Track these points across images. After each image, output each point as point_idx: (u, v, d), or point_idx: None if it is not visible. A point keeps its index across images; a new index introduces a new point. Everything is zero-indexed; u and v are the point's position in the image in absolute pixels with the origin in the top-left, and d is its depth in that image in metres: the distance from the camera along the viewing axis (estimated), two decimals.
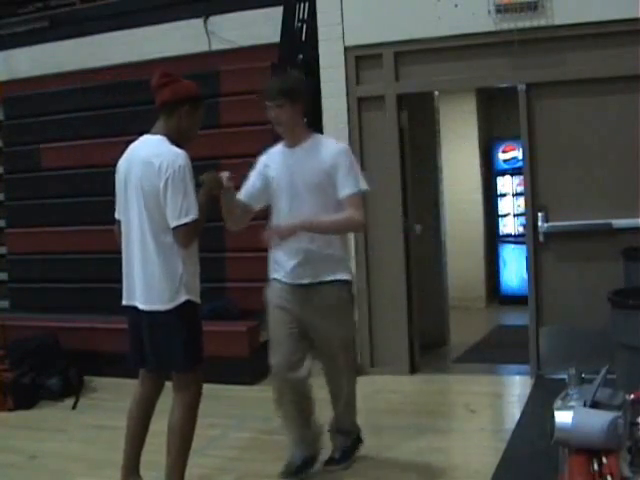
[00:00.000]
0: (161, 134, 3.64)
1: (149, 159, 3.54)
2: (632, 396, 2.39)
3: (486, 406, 5.51)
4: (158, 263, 3.57)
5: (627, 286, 5.01)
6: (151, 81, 3.68)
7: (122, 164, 3.71)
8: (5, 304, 8.09)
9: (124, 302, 3.74)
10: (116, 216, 3.80)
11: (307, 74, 6.82)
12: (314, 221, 3.85)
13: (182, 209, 3.46)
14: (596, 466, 2.17)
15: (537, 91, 5.79)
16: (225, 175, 3.84)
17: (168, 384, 3.88)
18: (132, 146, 3.72)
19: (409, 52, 6.08)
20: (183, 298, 3.60)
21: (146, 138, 3.69)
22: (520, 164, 6.86)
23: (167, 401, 3.68)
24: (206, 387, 6.03)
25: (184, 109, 3.65)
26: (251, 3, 7.29)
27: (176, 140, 3.64)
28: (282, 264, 4.05)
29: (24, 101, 8.16)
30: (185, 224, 3.48)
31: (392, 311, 6.21)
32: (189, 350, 3.70)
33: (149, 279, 3.60)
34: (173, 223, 3.49)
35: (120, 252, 3.75)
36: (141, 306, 3.65)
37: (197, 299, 3.72)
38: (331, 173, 3.89)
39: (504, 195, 9.33)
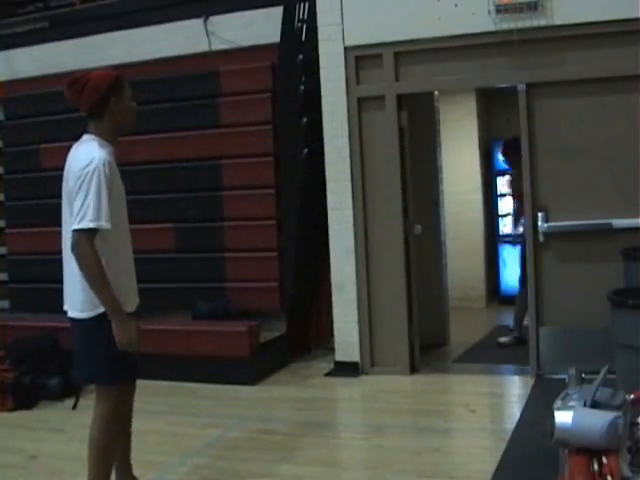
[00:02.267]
0: (93, 134, 3.56)
1: (73, 164, 3.51)
2: (632, 396, 2.39)
3: (486, 406, 5.50)
4: (75, 273, 3.49)
5: (627, 286, 5.01)
6: (64, 94, 3.55)
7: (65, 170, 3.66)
8: (5, 304, 8.09)
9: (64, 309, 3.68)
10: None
11: (307, 74, 6.85)
12: None
13: (79, 214, 3.33)
14: (596, 466, 2.17)
15: (537, 91, 5.79)
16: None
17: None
18: (71, 150, 3.65)
19: (409, 52, 6.08)
20: (101, 308, 3.45)
21: (80, 141, 3.61)
22: None
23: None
24: (206, 387, 6.08)
25: (110, 104, 3.53)
26: (251, 3, 7.29)
27: (114, 135, 3.58)
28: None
29: (24, 101, 8.16)
30: (80, 229, 3.32)
31: (392, 311, 6.21)
32: (104, 362, 3.53)
33: (72, 286, 3.57)
34: (73, 226, 3.36)
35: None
36: (67, 312, 3.63)
37: (125, 309, 3.53)
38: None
39: (504, 195, 9.32)
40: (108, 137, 3.57)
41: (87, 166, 3.38)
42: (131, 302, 3.65)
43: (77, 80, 3.52)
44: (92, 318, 3.50)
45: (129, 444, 3.85)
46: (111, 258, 3.47)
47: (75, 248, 3.38)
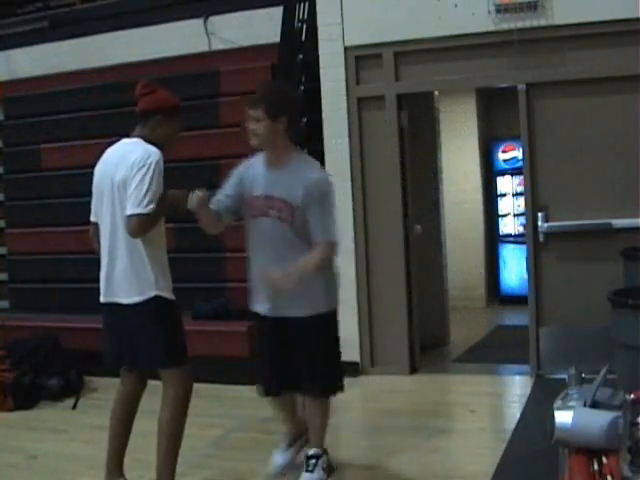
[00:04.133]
0: (138, 137, 3.77)
1: (124, 156, 3.66)
2: (632, 396, 2.39)
3: (486, 406, 5.50)
4: (129, 259, 3.64)
5: (627, 286, 5.01)
6: (135, 90, 3.82)
7: (99, 167, 3.83)
8: (5, 304, 8.09)
9: (102, 299, 3.79)
10: (91, 218, 3.88)
11: (307, 74, 6.86)
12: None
13: (143, 199, 3.51)
14: (596, 466, 2.17)
15: (537, 91, 5.79)
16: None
17: (154, 384, 3.87)
18: (109, 149, 3.85)
19: (409, 52, 6.07)
20: (152, 293, 3.63)
21: (123, 141, 3.83)
22: (520, 164, 6.86)
23: (159, 401, 3.68)
24: (206, 387, 6.07)
25: (156, 118, 3.76)
26: (251, 3, 7.29)
27: (152, 144, 3.74)
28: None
29: (24, 101, 8.16)
30: (143, 214, 3.51)
31: (392, 311, 6.21)
32: (164, 345, 3.68)
33: (121, 274, 3.67)
34: (131, 210, 3.51)
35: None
36: (115, 299, 3.71)
37: (169, 295, 3.73)
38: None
39: (504, 195, 9.33)
40: (149, 141, 3.75)
41: (149, 157, 3.58)
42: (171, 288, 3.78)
43: (148, 85, 3.83)
44: (144, 303, 3.62)
45: (127, 442, 3.85)
46: (162, 246, 3.79)
47: (138, 231, 3.55)
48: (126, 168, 3.58)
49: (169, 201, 3.71)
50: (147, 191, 3.50)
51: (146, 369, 3.86)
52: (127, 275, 3.64)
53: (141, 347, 3.71)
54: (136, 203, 3.50)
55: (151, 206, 3.50)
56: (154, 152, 3.62)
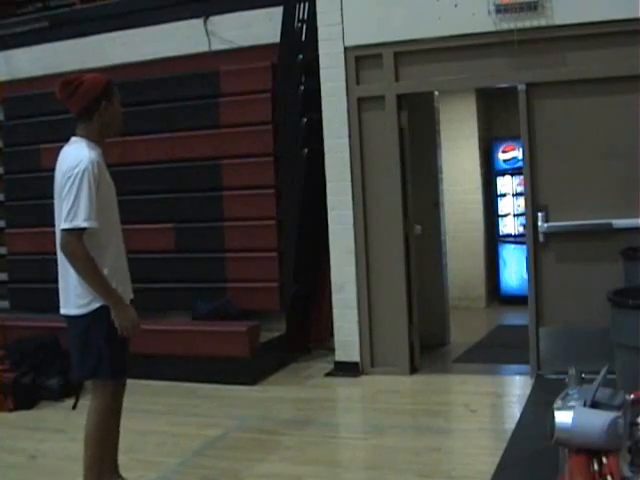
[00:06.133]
0: (81, 137, 3.64)
1: (63, 160, 3.59)
2: (632, 396, 2.39)
3: (486, 406, 5.51)
4: (69, 271, 3.57)
5: (627, 286, 5.01)
6: (56, 95, 3.63)
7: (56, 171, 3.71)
8: (5, 304, 8.09)
9: (60, 311, 3.74)
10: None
11: (307, 74, 6.86)
12: None
13: (69, 213, 3.41)
14: (596, 466, 2.17)
15: (537, 91, 5.79)
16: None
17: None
18: (61, 151, 3.72)
19: (409, 52, 6.08)
20: (97, 304, 3.54)
21: (69, 143, 3.69)
22: (520, 164, 6.86)
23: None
24: (206, 387, 6.09)
25: (102, 106, 3.61)
26: (251, 3, 7.29)
27: (102, 137, 3.66)
28: None
29: (24, 101, 8.16)
30: (67, 229, 3.42)
31: (392, 311, 6.21)
32: (103, 356, 3.60)
33: (67, 284, 3.63)
34: (62, 225, 3.44)
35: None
36: (61, 310, 3.69)
37: None
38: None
39: (504, 195, 9.33)
40: (96, 138, 3.65)
41: (76, 166, 3.47)
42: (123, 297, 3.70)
43: (69, 82, 3.61)
44: (87, 314, 3.57)
45: (117, 444, 3.84)
46: (97, 256, 3.53)
47: (66, 247, 3.48)
48: (61, 175, 3.52)
49: (116, 301, 3.55)
50: (73, 204, 3.40)
51: (88, 379, 3.82)
52: (75, 286, 3.57)
53: (76, 355, 3.67)
54: (63, 217, 3.42)
55: (78, 219, 3.39)
56: (84, 160, 3.47)
